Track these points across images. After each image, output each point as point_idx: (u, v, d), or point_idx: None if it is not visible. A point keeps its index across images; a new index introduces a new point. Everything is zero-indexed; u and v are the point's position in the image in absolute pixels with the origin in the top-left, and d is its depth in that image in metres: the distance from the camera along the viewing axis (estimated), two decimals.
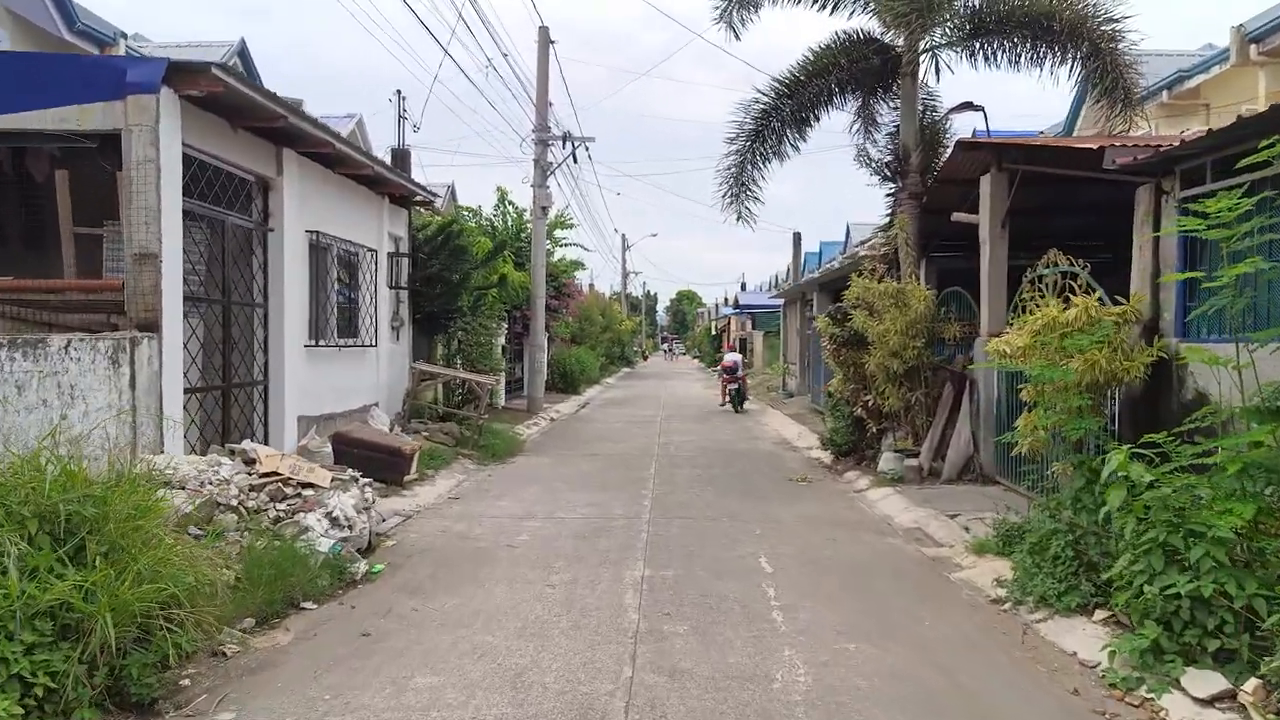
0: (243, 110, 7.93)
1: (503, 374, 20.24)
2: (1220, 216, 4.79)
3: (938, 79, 11.54)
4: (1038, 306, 8.48)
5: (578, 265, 30.50)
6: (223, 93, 6.88)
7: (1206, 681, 4.35)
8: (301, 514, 6.59)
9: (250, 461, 6.99)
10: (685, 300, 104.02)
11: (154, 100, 6.47)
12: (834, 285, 19.85)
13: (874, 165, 11.65)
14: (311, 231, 9.93)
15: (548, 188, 20.60)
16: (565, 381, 26.95)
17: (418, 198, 13.56)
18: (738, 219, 12.05)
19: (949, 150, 11.20)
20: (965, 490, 9.48)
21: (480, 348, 14.90)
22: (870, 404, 11.00)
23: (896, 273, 11.42)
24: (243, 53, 18.42)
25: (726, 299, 61.81)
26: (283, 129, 8.51)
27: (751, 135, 11.68)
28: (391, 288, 12.95)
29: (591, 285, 47.39)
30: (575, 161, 22.41)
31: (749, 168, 11.76)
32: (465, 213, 23.17)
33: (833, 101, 11.70)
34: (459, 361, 14.77)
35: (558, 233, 25.56)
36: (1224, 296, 4.90)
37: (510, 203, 24.14)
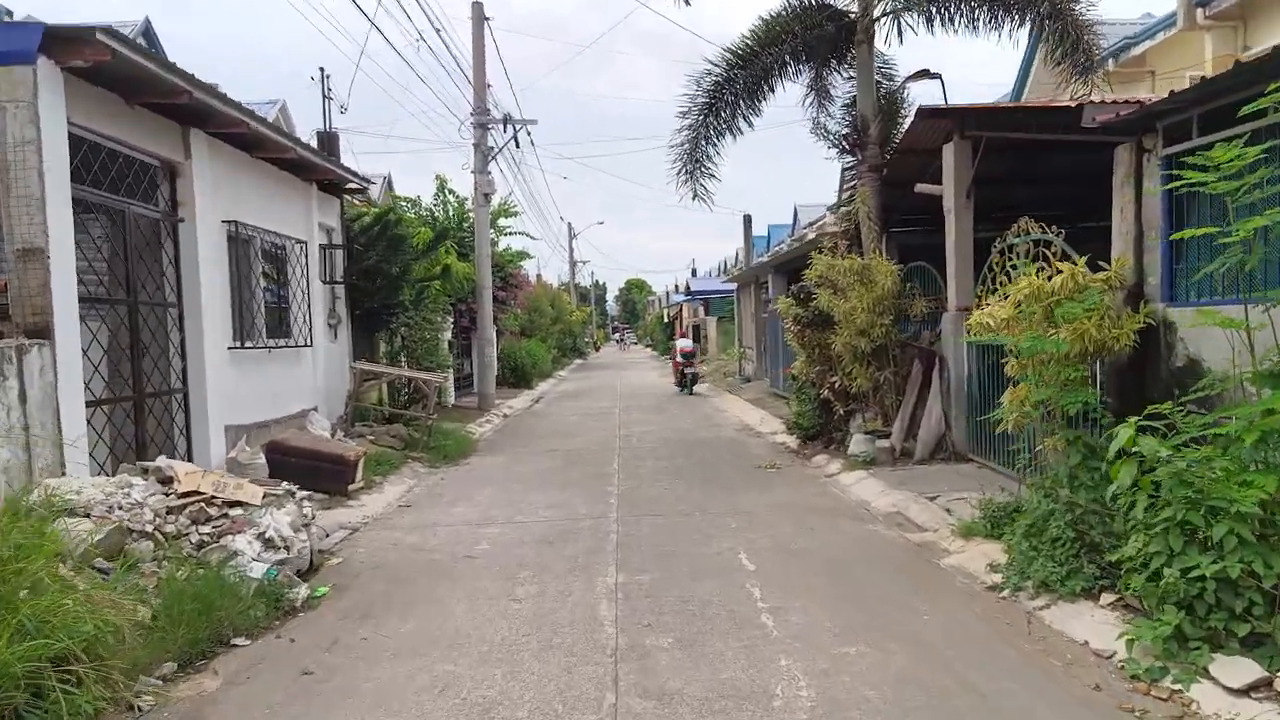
0: (139, 84, 7.07)
1: (451, 370, 19.44)
2: (1228, 167, 4.44)
3: (900, 41, 11.15)
4: (1008, 278, 8.18)
5: (524, 255, 29.64)
6: (112, 62, 6.05)
7: (1238, 669, 4.02)
8: (229, 536, 5.87)
9: (167, 480, 6.21)
10: (635, 289, 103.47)
11: (30, 73, 5.63)
12: (790, 266, 19.56)
13: (831, 138, 11.26)
14: (229, 222, 9.07)
15: (489, 174, 19.79)
16: (517, 376, 26.19)
17: (350, 184, 12.70)
18: (694, 197, 11.54)
19: (908, 120, 10.87)
20: (940, 470, 9.18)
21: (425, 344, 14.10)
22: (837, 385, 10.64)
23: (858, 249, 11.06)
24: (147, 33, 17.18)
25: (677, 286, 61.47)
26: (189, 107, 7.67)
27: (704, 109, 11.16)
28: (325, 283, 12.10)
29: (539, 275, 46.46)
30: (518, 146, 21.72)
31: (703, 143, 11.25)
32: (403, 203, 22.18)
33: (786, 72, 11.25)
34: (403, 359, 13.96)
35: (502, 221, 24.73)
36: (1233, 254, 4.57)
37: (451, 191, 23.19)
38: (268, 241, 10.23)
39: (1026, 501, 6.11)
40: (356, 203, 15.34)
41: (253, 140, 9.36)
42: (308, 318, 11.13)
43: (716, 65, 11.06)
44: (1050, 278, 6.18)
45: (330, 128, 13.00)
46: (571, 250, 60.13)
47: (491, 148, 20.10)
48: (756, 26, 10.85)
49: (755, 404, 18.18)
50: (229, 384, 9.09)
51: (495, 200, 24.51)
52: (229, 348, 9.12)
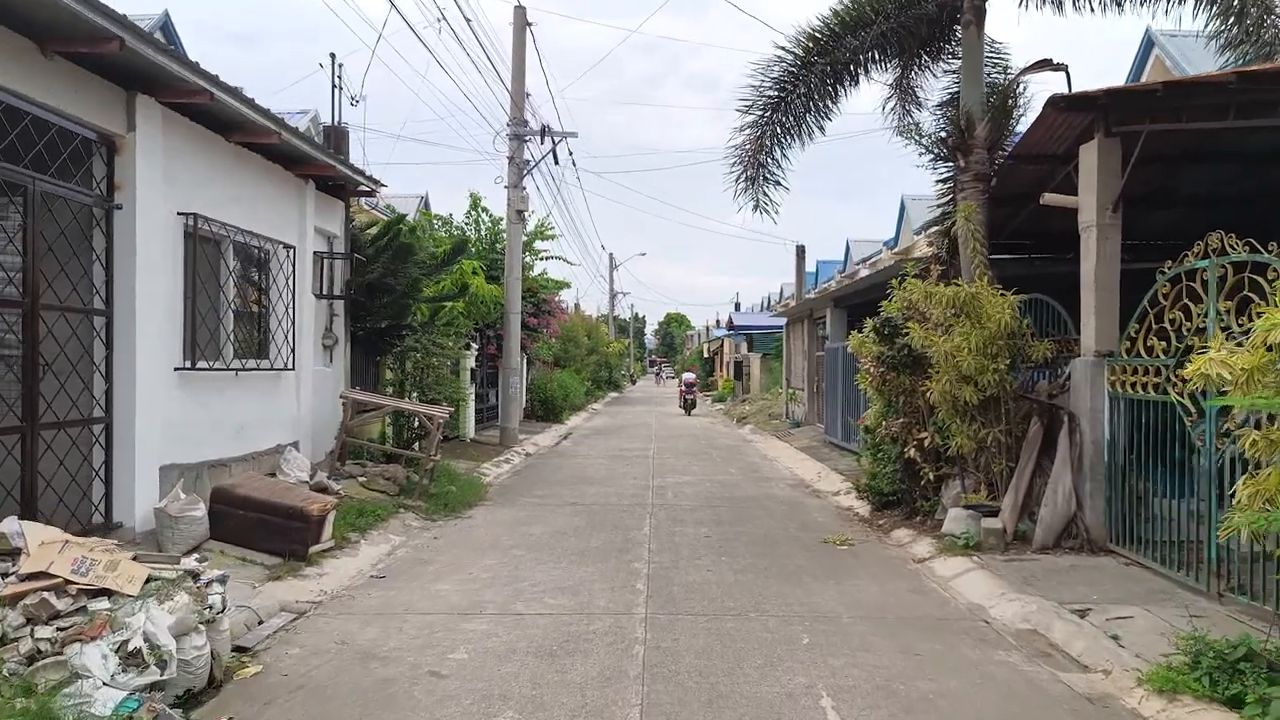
0: (54, 25, 5.45)
1: (471, 401, 17.67)
2: None
3: (1017, 23, 9.17)
4: (1185, 316, 6.07)
5: (562, 285, 28.02)
6: None
7: None
8: (78, 644, 4.00)
9: (10, 554, 4.39)
10: (674, 323, 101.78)
11: None
12: (853, 300, 17.49)
13: (924, 141, 9.27)
14: (188, 215, 7.40)
15: (524, 189, 18.19)
16: (546, 409, 24.37)
17: (360, 186, 11.04)
18: (755, 208, 9.64)
19: (1024, 120, 8.87)
20: (1073, 565, 6.98)
21: (434, 371, 12.28)
22: (926, 443, 8.52)
23: (952, 277, 9.00)
24: (165, 26, 16.00)
25: (718, 321, 59.50)
26: (129, 64, 6.04)
27: (771, 104, 9.29)
28: (320, 296, 10.40)
29: (577, 305, 44.96)
30: (556, 161, 20.06)
31: (768, 143, 9.36)
32: (434, 221, 20.70)
33: (871, 64, 9.34)
34: (409, 389, 12.17)
35: (538, 244, 23.11)
36: None
37: (484, 209, 21.67)
38: (244, 243, 8.56)
39: (1253, 640, 3.96)
40: (371, 211, 13.80)
41: (225, 119, 7.73)
42: (292, 336, 9.40)
43: (789, 51, 9.20)
44: None
45: (339, 120, 11.36)
46: (612, 280, 58.67)
47: (527, 160, 18.53)
48: (842, 4, 8.96)
49: (808, 454, 16.02)
50: (174, 413, 7.34)
51: (532, 222, 22.99)
52: (176, 368, 7.39)
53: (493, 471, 13.59)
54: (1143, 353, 6.65)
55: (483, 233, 21.79)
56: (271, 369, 9.03)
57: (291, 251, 9.42)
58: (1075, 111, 7.31)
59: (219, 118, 7.70)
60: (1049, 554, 7.28)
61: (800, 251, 26.06)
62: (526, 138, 18.34)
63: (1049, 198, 7.68)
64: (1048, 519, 7.40)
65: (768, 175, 9.53)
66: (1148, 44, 14.78)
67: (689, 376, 31.76)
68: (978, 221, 8.43)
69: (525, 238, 22.36)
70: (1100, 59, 29.11)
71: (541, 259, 23.50)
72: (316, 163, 9.51)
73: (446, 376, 13.11)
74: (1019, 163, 8.57)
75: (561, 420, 24.53)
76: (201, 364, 7.64)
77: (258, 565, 6.85)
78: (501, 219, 20.02)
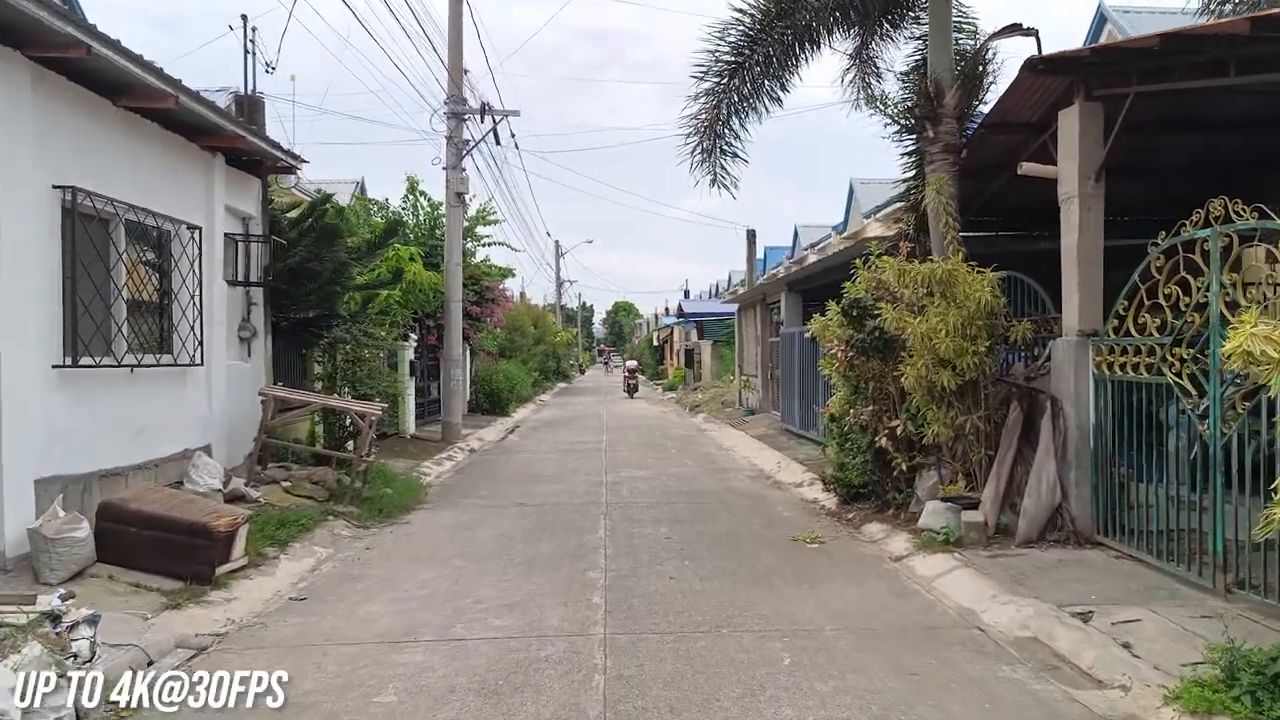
0: None
1: (409, 395, 16.68)
2: None
3: None
4: (1184, 291, 5.63)
5: (507, 272, 26.96)
6: None
7: None
8: None
9: None
10: (622, 311, 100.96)
11: None
12: (809, 284, 17.02)
13: (890, 111, 8.71)
14: (65, 188, 6.37)
15: (464, 170, 17.19)
16: (491, 401, 23.41)
17: (280, 162, 9.98)
18: (712, 182, 8.98)
19: (994, 88, 8.40)
20: (1062, 560, 6.53)
21: (365, 364, 11.29)
22: (899, 431, 8.00)
23: (920, 256, 8.48)
24: None
25: (667, 309, 59.01)
26: None
27: (729, 70, 8.61)
28: (233, 284, 9.37)
29: (522, 294, 43.82)
30: (498, 142, 19.07)
31: (725, 113, 8.69)
32: (371, 206, 19.54)
33: (835, 29, 8.74)
34: (341, 384, 11.18)
35: (480, 230, 22.10)
36: None
37: (422, 193, 20.55)
38: (138, 222, 7.51)
39: None
40: (300, 195, 12.72)
41: (111, 79, 6.70)
42: (199, 328, 8.38)
43: (747, 13, 8.52)
44: None
45: (253, 89, 10.29)
46: (559, 268, 57.60)
47: (467, 140, 17.52)
48: None
49: (765, 442, 15.52)
50: (54, 417, 6.33)
51: (474, 207, 21.96)
52: (55, 366, 6.37)
53: (434, 470, 12.70)
54: (1133, 331, 6.20)
55: (421, 218, 20.68)
56: (175, 364, 8.01)
57: (197, 233, 8.38)
58: (1054, 74, 6.82)
59: (103, 78, 6.67)
60: (1034, 548, 6.83)
61: (751, 236, 25.63)
62: (466, 116, 17.32)
63: (1027, 167, 7.19)
64: (1031, 510, 6.94)
65: (725, 147, 8.88)
66: (1100, 19, 14.60)
67: (631, 364, 38.30)
68: (949, 195, 7.92)
69: (466, 223, 21.34)
70: (1052, 35, 29.15)
71: (484, 245, 22.52)
72: (223, 133, 8.47)
73: (380, 369, 12.13)
74: (990, 132, 8.08)
75: (508, 413, 23.61)
76: (86, 360, 6.62)
77: (153, 592, 5.93)
78: (441, 203, 18.96)
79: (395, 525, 8.87)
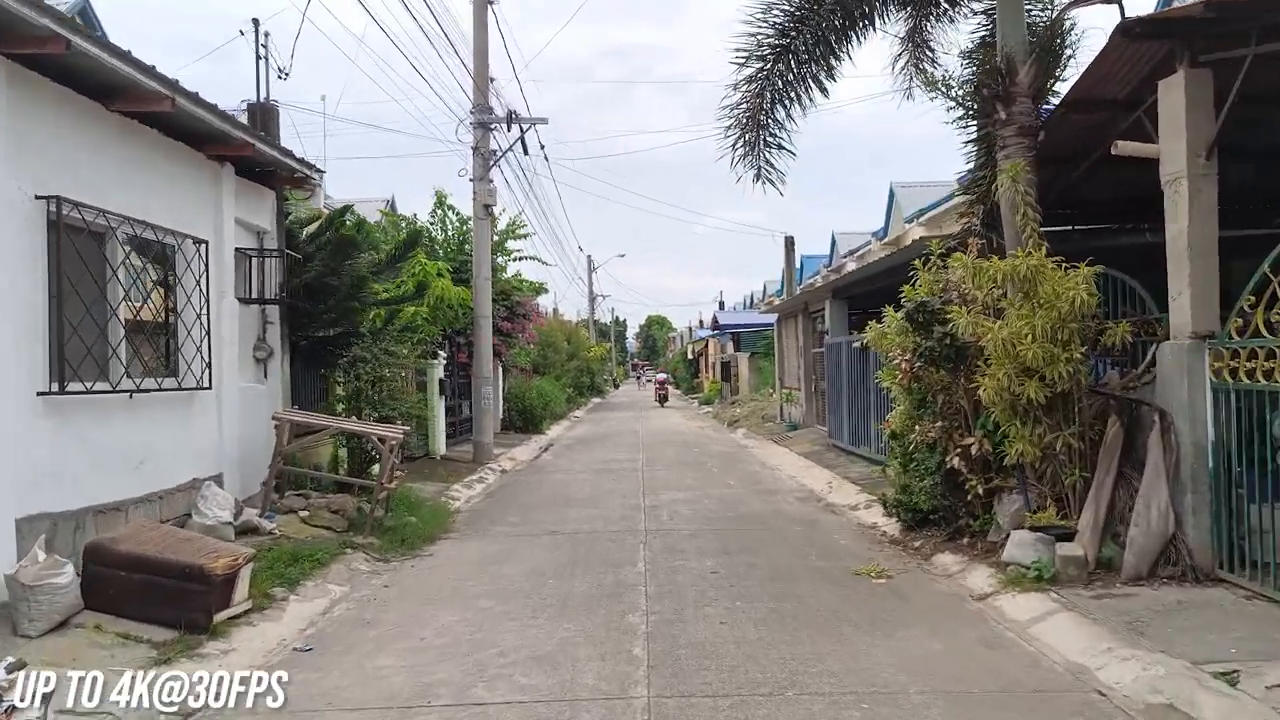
0: None
1: (439, 415, 16.10)
2: None
3: None
4: None
5: (540, 289, 26.40)
6: None
7: None
8: None
9: None
10: (655, 325, 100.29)
11: None
12: (854, 291, 16.10)
13: (952, 92, 7.86)
14: (49, 198, 5.82)
15: (491, 182, 16.66)
16: (524, 419, 22.82)
17: (296, 172, 9.45)
18: (756, 177, 8.20)
19: (1070, 65, 7.52)
20: (1181, 600, 5.58)
21: (387, 384, 10.68)
22: (974, 450, 7.10)
23: (989, 253, 7.60)
24: (84, 12, 14.35)
25: (701, 321, 58.16)
26: None
27: (774, 53, 7.85)
28: (245, 301, 8.83)
29: (555, 309, 43.42)
30: (525, 152, 18.50)
31: (769, 101, 7.92)
32: (400, 223, 19.10)
33: (888, 9, 7.93)
34: (365, 405, 10.56)
35: (510, 244, 21.58)
36: None
37: (450, 206, 20.11)
38: (137, 236, 6.98)
39: None
40: (326, 211, 12.21)
41: (101, 79, 6.17)
42: (207, 348, 7.82)
43: None
44: None
45: (266, 96, 9.81)
46: (591, 283, 57.14)
47: (494, 151, 16.99)
48: None
49: (812, 459, 14.61)
50: (39, 448, 5.77)
51: (504, 220, 21.46)
52: (40, 393, 5.81)
53: (463, 494, 12.05)
54: (1263, 331, 5.27)
55: (449, 232, 20.22)
56: (179, 388, 7.44)
57: (203, 247, 7.84)
58: (1153, 39, 5.95)
59: (92, 79, 6.15)
60: (1144, 586, 5.88)
61: (789, 243, 24.78)
62: (492, 126, 16.81)
63: (1124, 146, 6.30)
64: (1139, 541, 5.99)
65: (769, 138, 8.10)
66: None
67: (661, 376, 44.72)
68: (1027, 182, 7.03)
69: (496, 237, 20.84)
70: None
71: (515, 259, 21.98)
72: (231, 140, 7.94)
73: (402, 389, 11.51)
74: (1070, 111, 7.20)
75: (542, 430, 22.99)
76: (75, 386, 6.05)
77: (142, 644, 5.29)
78: (469, 218, 18.45)
79: (419, 558, 8.19)
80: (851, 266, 24.39)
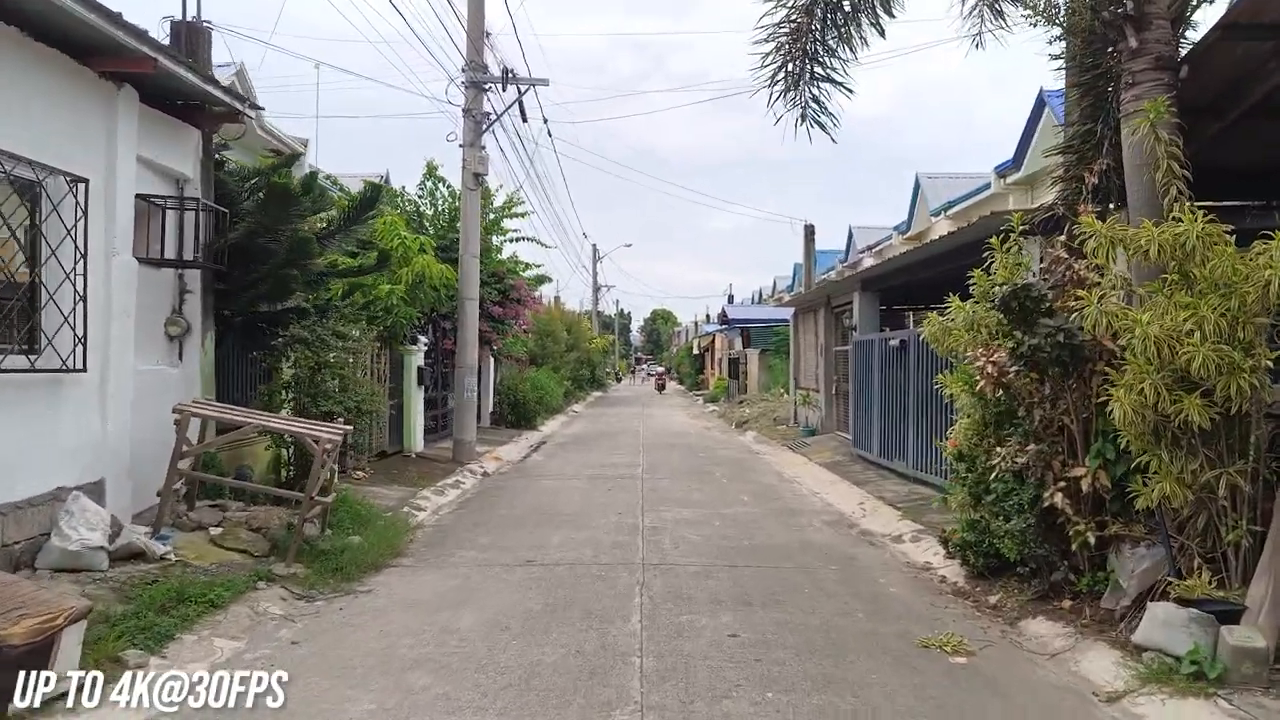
0: None
1: (417, 408, 14.35)
2: None
3: None
4: None
5: (543, 279, 24.55)
6: None
7: None
8: None
9: None
10: (660, 320, 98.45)
11: None
12: (890, 282, 14.26)
13: (1058, 19, 6.01)
14: None
15: (483, 148, 14.84)
16: (517, 413, 21.05)
17: (221, 106, 7.60)
18: (801, 118, 6.33)
19: None
20: None
21: (332, 371, 8.81)
22: (1085, 486, 5.29)
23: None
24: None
25: (708, 316, 56.25)
26: None
27: None
28: (149, 262, 7.04)
29: (557, 298, 41.60)
30: (524, 118, 16.69)
31: (817, 26, 6.08)
32: (381, 189, 17.27)
33: None
34: (305, 397, 8.73)
35: (506, 222, 19.79)
36: None
37: (440, 179, 18.34)
38: None
39: None
40: (267, 156, 10.38)
41: None
42: (82, 318, 6.04)
43: None
44: None
45: (198, 16, 7.99)
46: (595, 273, 55.26)
47: (488, 114, 15.17)
48: None
49: (836, 472, 12.81)
50: None
51: (501, 197, 19.66)
52: None
53: (431, 503, 10.27)
54: None
55: (440, 207, 18.44)
56: (33, 369, 5.66)
57: (81, 187, 6.04)
58: None
59: None
60: None
61: (809, 232, 22.90)
62: (486, 86, 14.97)
63: None
64: None
65: (818, 69, 6.27)
66: None
67: (658, 369, 49.84)
68: (1170, 127, 5.20)
69: (492, 215, 19.07)
70: None
71: (511, 239, 20.19)
72: (126, 53, 6.13)
73: (357, 379, 9.68)
74: (1227, 37, 5.36)
75: (535, 426, 21.20)
76: None
77: None
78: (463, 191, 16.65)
79: (352, 596, 6.40)
80: (869, 262, 22.50)
